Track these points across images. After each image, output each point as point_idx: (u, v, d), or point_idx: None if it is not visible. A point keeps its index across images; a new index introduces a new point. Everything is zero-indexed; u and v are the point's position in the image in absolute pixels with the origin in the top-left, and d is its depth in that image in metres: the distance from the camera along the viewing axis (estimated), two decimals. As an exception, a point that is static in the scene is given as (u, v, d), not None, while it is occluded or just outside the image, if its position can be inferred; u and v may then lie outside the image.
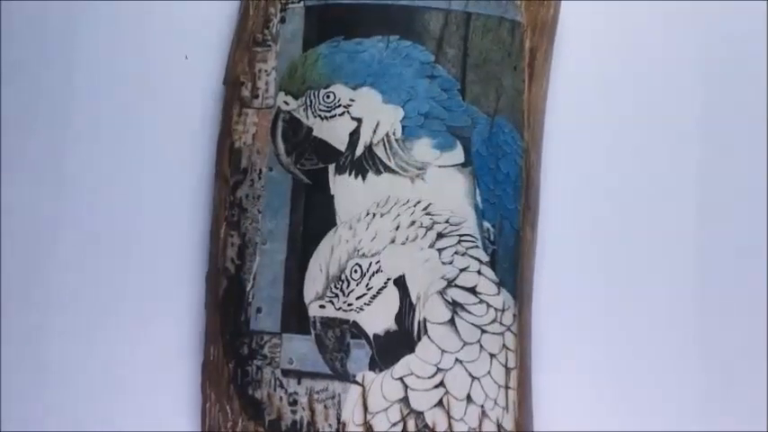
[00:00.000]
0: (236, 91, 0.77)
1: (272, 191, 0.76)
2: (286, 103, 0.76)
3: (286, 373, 0.74)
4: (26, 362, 0.81)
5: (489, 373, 0.73)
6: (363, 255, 0.73)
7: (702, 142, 0.82)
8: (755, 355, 0.79)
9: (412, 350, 0.72)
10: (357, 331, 0.73)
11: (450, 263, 0.74)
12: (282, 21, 0.77)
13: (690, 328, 0.80)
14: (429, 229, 0.74)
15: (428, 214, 0.74)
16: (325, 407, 0.73)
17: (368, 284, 0.73)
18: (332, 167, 0.75)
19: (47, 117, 0.85)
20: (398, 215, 0.74)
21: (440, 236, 0.74)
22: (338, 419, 0.72)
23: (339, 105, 0.75)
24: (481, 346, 0.73)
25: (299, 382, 0.73)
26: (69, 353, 0.81)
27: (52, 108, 0.85)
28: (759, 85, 0.83)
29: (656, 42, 0.84)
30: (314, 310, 0.73)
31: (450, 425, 0.72)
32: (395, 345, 0.73)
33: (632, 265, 0.81)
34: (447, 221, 0.74)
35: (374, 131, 0.75)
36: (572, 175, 0.82)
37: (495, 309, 0.74)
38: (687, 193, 0.82)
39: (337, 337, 0.73)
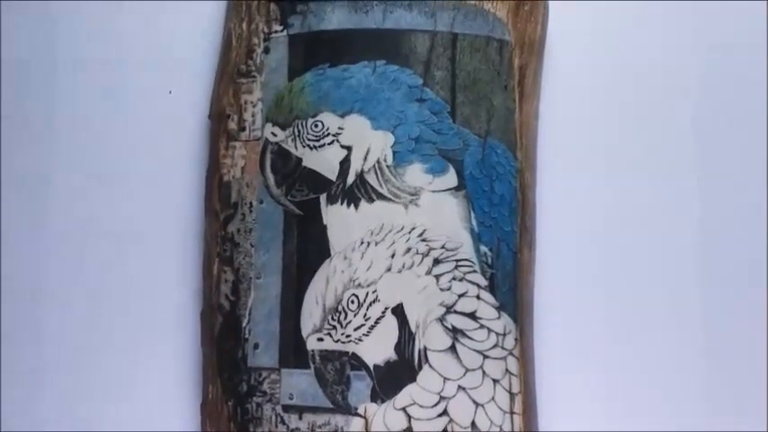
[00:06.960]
0: (222, 124, 0.77)
1: (263, 224, 0.75)
2: (274, 134, 0.76)
3: (287, 408, 0.73)
4: (23, 400, 0.81)
5: (493, 399, 0.72)
6: (359, 285, 0.73)
7: (699, 154, 0.83)
8: (755, 355, 0.80)
9: (413, 379, 0.72)
10: (357, 363, 0.73)
11: (449, 289, 0.73)
12: (266, 51, 0.77)
13: (689, 337, 0.80)
14: (425, 255, 0.73)
15: (423, 240, 0.74)
16: (328, 441, 0.73)
17: (365, 315, 0.73)
18: (323, 197, 0.75)
19: (31, 158, 0.85)
20: (393, 243, 0.73)
21: (436, 262, 0.73)
22: (341, 453, 0.72)
23: (328, 134, 0.75)
24: (484, 372, 0.73)
25: (300, 418, 0.73)
26: (67, 394, 0.82)
27: (37, 149, 0.85)
28: (758, 90, 0.83)
29: (647, 54, 0.84)
30: (312, 344, 0.73)
31: (456, 453, 0.71)
32: (396, 375, 0.72)
33: (632, 280, 0.81)
34: (443, 247, 0.74)
35: (365, 159, 0.75)
36: (567, 193, 0.82)
37: (497, 333, 0.73)
38: (685, 208, 0.82)
39: (337, 370, 0.73)
